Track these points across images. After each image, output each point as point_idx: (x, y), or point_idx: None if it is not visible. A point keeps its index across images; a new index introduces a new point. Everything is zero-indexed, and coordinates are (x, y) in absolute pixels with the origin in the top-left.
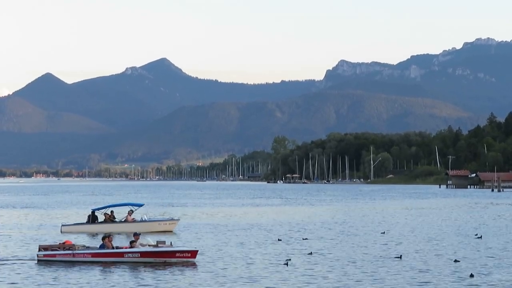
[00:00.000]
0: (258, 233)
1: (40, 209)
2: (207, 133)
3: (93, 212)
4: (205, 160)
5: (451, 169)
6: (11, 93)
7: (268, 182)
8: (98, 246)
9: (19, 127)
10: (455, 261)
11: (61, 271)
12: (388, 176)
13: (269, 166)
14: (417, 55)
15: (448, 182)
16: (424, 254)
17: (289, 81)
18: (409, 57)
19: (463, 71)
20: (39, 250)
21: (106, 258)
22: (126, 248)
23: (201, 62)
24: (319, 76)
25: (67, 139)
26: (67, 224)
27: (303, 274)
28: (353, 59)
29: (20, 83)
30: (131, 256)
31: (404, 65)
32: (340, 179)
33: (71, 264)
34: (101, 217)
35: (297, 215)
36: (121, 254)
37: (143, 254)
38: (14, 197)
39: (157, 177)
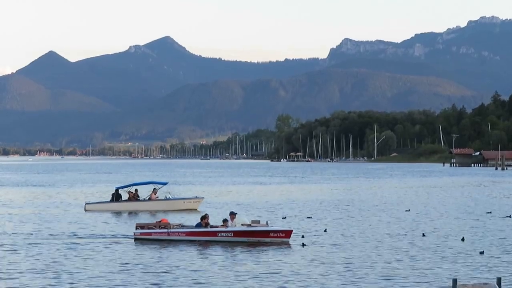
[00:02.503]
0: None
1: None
2: (210, 111)
3: (117, 190)
4: (209, 139)
5: (455, 148)
6: (14, 71)
7: (272, 161)
8: (194, 225)
9: (22, 106)
10: (462, 239)
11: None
12: (392, 155)
13: (273, 145)
14: (421, 33)
15: (452, 160)
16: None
17: (293, 59)
18: (413, 35)
19: (467, 50)
20: (136, 228)
21: (200, 237)
22: (219, 227)
23: (205, 40)
24: (323, 54)
25: (71, 118)
26: (91, 202)
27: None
28: (357, 37)
29: (24, 62)
30: (224, 235)
31: (408, 44)
32: (343, 158)
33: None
34: (125, 195)
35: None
36: (214, 233)
37: (237, 233)
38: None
39: (160, 155)
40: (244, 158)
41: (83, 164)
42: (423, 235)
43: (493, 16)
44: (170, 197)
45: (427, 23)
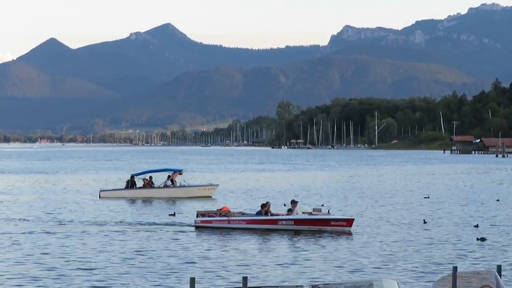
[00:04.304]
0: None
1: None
2: (211, 98)
3: (132, 177)
4: (210, 126)
5: (455, 135)
6: (15, 58)
7: (273, 148)
8: (254, 213)
9: (23, 92)
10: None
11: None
12: (393, 142)
13: (274, 132)
14: (422, 20)
15: (453, 147)
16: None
17: (294, 46)
18: (414, 22)
19: (468, 37)
20: (197, 216)
21: (260, 225)
22: (281, 215)
23: (206, 27)
24: (324, 41)
25: (72, 104)
26: (105, 189)
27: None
28: (358, 24)
29: (24, 48)
30: (285, 223)
31: (409, 30)
32: (344, 145)
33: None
34: (139, 183)
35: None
36: (275, 221)
37: (297, 221)
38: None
39: (161, 142)
40: (245, 145)
41: (84, 151)
42: (424, 221)
43: (493, 3)
44: (185, 184)
45: (428, 10)
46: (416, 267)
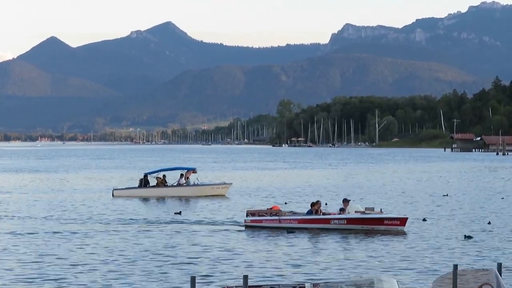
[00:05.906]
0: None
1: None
2: (212, 96)
3: (145, 176)
4: (210, 124)
5: (456, 133)
6: (15, 56)
7: (273, 146)
8: (305, 212)
9: (24, 91)
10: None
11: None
12: (393, 140)
13: (274, 130)
14: (422, 18)
15: (453, 145)
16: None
17: (295, 44)
18: (414, 21)
19: (468, 35)
20: (247, 215)
21: (312, 224)
22: (333, 214)
23: (206, 26)
24: (325, 39)
25: (72, 103)
26: (118, 188)
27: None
28: (359, 23)
29: (25, 47)
30: (337, 222)
31: (409, 29)
32: (345, 143)
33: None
34: (152, 181)
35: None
36: (327, 221)
37: (350, 220)
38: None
39: (162, 140)
40: (246, 143)
41: (85, 149)
42: (424, 219)
43: (493, 1)
44: (198, 182)
45: (428, 9)
46: (418, 265)
